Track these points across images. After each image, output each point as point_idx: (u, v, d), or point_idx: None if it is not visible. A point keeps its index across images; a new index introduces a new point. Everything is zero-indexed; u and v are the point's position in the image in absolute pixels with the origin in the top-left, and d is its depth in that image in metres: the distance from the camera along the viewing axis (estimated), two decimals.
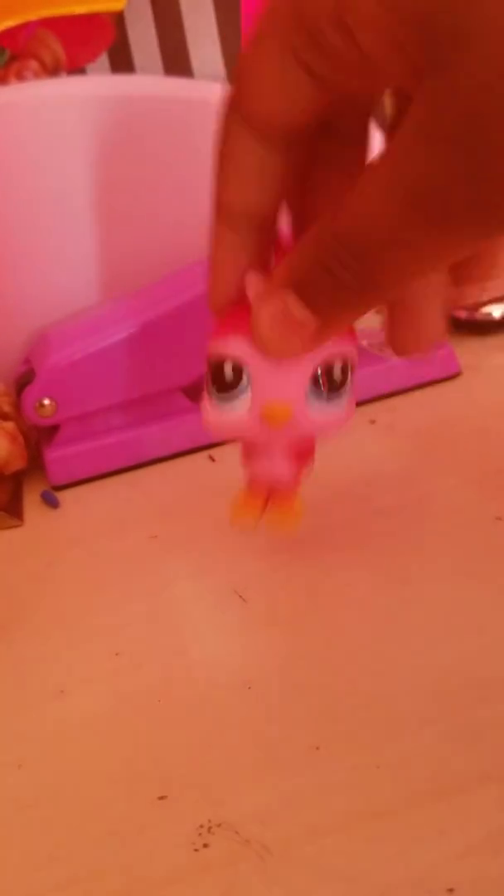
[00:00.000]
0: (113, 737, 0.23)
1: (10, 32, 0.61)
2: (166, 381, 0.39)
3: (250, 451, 0.27)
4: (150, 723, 0.23)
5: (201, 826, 0.19)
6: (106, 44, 0.74)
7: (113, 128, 0.42)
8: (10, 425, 0.40)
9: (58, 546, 0.34)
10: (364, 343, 0.40)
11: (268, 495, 0.27)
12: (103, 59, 0.79)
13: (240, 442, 0.26)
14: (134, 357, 0.38)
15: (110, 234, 0.44)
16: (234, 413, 0.24)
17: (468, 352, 0.43)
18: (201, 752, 0.22)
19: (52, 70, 0.64)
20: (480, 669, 0.22)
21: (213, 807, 0.20)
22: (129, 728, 0.23)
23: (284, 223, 0.24)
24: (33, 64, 0.62)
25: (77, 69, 0.74)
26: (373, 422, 0.38)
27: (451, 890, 0.17)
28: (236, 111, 0.21)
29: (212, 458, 0.39)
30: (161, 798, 0.20)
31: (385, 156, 0.18)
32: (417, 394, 0.41)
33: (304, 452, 0.26)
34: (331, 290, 0.20)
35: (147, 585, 0.30)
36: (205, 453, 0.40)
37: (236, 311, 0.24)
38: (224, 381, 0.24)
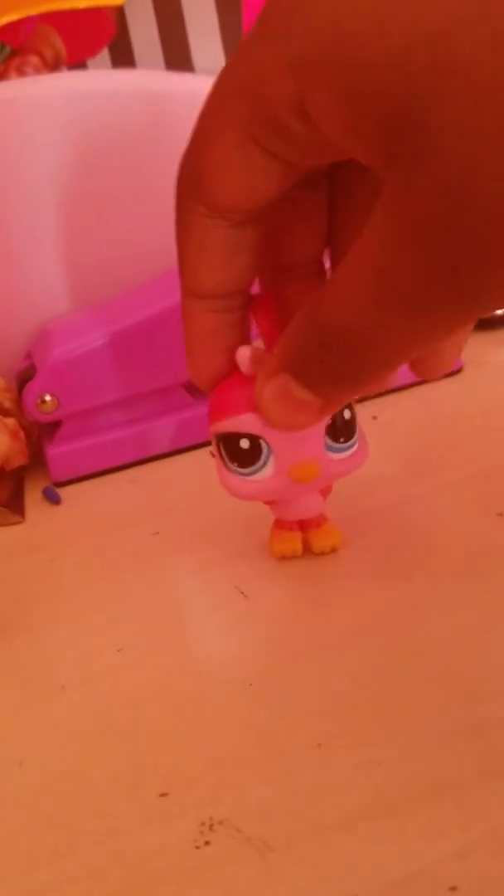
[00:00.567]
0: (114, 734, 0.23)
1: (11, 27, 0.61)
2: (168, 376, 0.39)
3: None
4: (152, 719, 0.23)
5: (203, 823, 0.19)
6: (107, 39, 0.74)
7: (114, 122, 0.42)
8: (11, 421, 0.40)
9: (59, 543, 0.34)
10: None
11: (299, 522, 0.28)
12: (104, 54, 0.79)
13: None
14: (136, 353, 0.38)
15: (113, 229, 0.44)
16: (260, 481, 0.25)
17: (470, 347, 0.42)
18: (203, 749, 0.22)
19: (53, 65, 0.64)
20: (482, 666, 0.22)
21: (215, 804, 0.20)
22: (130, 725, 0.23)
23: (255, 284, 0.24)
24: (34, 59, 0.61)
25: (78, 64, 0.74)
26: (375, 418, 0.38)
27: (453, 888, 0.17)
28: (197, 200, 0.21)
29: (213, 455, 0.39)
30: (162, 795, 0.20)
31: (359, 246, 0.18)
32: (419, 390, 0.41)
33: (327, 487, 0.28)
34: (324, 376, 0.20)
35: (149, 582, 0.30)
36: (205, 449, 0.40)
37: (233, 386, 0.24)
38: (243, 455, 0.25)
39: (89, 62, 0.77)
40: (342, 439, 0.25)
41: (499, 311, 0.45)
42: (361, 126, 0.17)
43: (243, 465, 0.25)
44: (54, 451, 0.39)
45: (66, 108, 0.42)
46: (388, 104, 0.16)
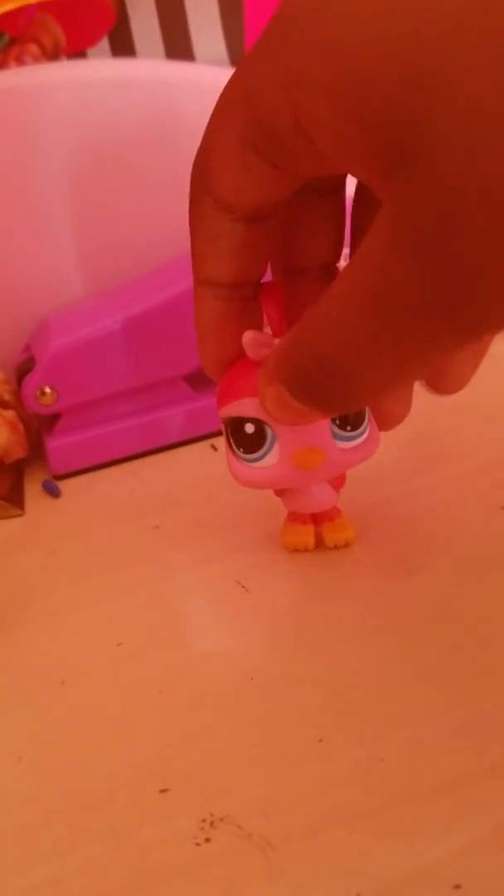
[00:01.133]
0: (114, 729, 0.23)
1: (10, 16, 0.61)
2: (168, 369, 0.39)
3: (285, 488, 0.27)
4: (152, 714, 0.23)
5: (203, 820, 0.19)
6: (106, 28, 0.74)
7: (114, 113, 0.42)
8: (10, 414, 0.39)
9: (59, 536, 0.34)
10: None
11: (312, 516, 0.28)
12: (104, 44, 0.78)
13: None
14: (135, 345, 0.38)
15: (112, 221, 0.44)
16: (266, 468, 0.25)
17: None
18: (203, 744, 0.21)
19: (53, 54, 0.63)
20: (485, 661, 0.22)
21: (215, 800, 0.20)
22: (130, 720, 0.23)
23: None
24: (33, 48, 0.61)
25: (77, 53, 0.74)
26: None
27: (457, 886, 0.16)
28: (207, 194, 0.21)
29: (214, 448, 0.39)
30: (162, 791, 0.20)
31: (352, 267, 0.17)
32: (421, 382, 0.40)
33: (339, 478, 0.28)
34: (313, 396, 0.20)
35: (149, 575, 0.29)
36: (207, 442, 0.39)
37: (241, 370, 0.25)
38: (248, 440, 0.25)
39: (89, 51, 0.76)
40: (349, 428, 0.25)
41: None
42: (355, 141, 0.16)
43: (248, 450, 0.25)
44: (54, 444, 0.39)
45: (69, 98, 0.41)
46: (382, 118, 0.16)
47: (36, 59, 0.61)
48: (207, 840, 0.19)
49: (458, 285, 0.16)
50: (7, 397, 0.40)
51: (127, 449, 0.39)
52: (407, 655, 0.23)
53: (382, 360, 0.18)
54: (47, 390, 0.37)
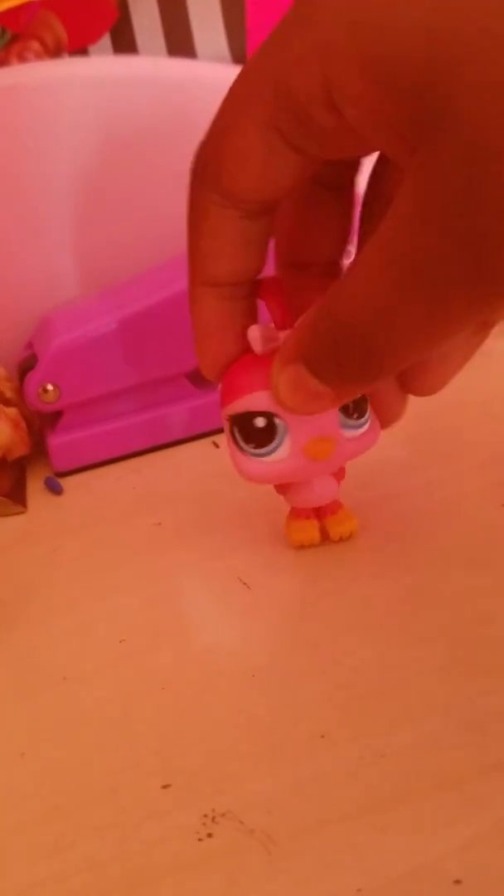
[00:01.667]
0: (116, 725, 0.23)
1: (12, 13, 0.61)
2: (170, 366, 0.39)
3: (288, 484, 0.27)
4: (154, 710, 0.23)
5: (205, 815, 0.19)
6: (108, 24, 0.73)
7: (116, 110, 0.42)
8: (12, 411, 0.39)
9: (61, 533, 0.34)
10: None
11: (315, 510, 0.28)
12: (105, 41, 0.78)
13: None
14: (137, 342, 0.38)
15: (114, 219, 0.44)
16: (276, 462, 0.25)
17: None
18: (205, 740, 0.21)
19: (54, 51, 0.63)
20: (487, 658, 0.22)
21: (218, 796, 0.20)
22: (132, 716, 0.23)
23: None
24: (35, 45, 0.61)
25: (79, 50, 0.74)
26: None
27: (458, 881, 0.16)
28: (214, 189, 0.21)
29: (216, 445, 0.39)
30: (165, 787, 0.20)
31: (380, 236, 0.18)
32: None
33: (339, 471, 0.28)
34: (341, 369, 0.20)
35: (151, 572, 0.30)
36: (209, 439, 0.39)
37: (245, 367, 0.25)
38: (259, 435, 0.25)
39: (91, 48, 0.76)
40: (355, 416, 0.25)
41: None
42: (385, 111, 0.17)
43: (259, 445, 0.25)
44: (56, 441, 0.39)
45: (71, 95, 0.41)
46: (410, 87, 0.16)
47: (38, 56, 0.61)
48: (210, 835, 0.19)
49: (483, 249, 0.16)
50: (9, 395, 0.40)
51: (129, 446, 0.39)
52: (408, 652, 0.23)
53: (411, 323, 0.18)
54: (49, 388, 0.37)
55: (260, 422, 0.25)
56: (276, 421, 0.25)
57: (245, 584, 0.27)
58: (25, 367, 0.38)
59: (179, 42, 0.83)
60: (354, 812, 0.19)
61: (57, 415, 0.39)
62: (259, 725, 0.22)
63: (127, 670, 0.25)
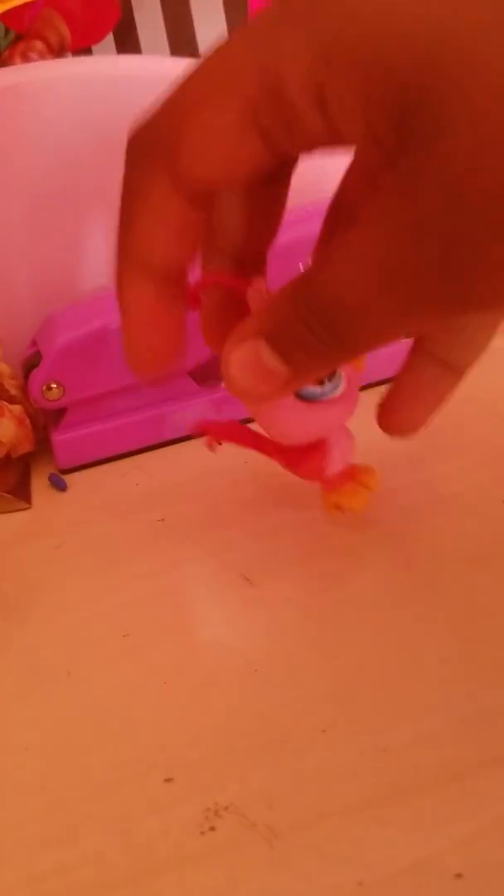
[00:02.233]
0: (120, 719, 0.23)
1: (16, 12, 0.61)
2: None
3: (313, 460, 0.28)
4: (157, 705, 0.23)
5: (208, 809, 0.19)
6: (111, 24, 0.74)
7: (119, 109, 0.42)
8: (17, 408, 0.40)
9: (65, 529, 0.34)
10: None
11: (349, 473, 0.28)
12: (109, 40, 0.78)
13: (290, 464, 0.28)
14: None
15: (117, 217, 0.44)
16: (328, 407, 0.26)
17: None
18: (208, 734, 0.22)
19: (58, 50, 0.63)
20: (488, 653, 0.22)
21: (220, 790, 0.20)
22: (135, 710, 0.23)
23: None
24: (38, 44, 0.61)
25: (82, 49, 0.74)
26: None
27: (458, 875, 0.17)
28: (163, 167, 0.20)
29: (218, 442, 0.39)
30: (167, 781, 0.20)
31: (364, 229, 0.18)
32: None
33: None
34: (305, 344, 0.20)
35: (154, 568, 0.30)
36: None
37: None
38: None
39: (94, 48, 0.76)
40: (325, 382, 0.26)
41: None
42: (374, 118, 0.17)
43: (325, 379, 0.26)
44: (60, 438, 0.39)
45: (75, 94, 0.41)
46: (402, 98, 0.16)
47: (41, 56, 0.61)
48: (212, 829, 0.19)
49: (454, 263, 0.17)
50: (14, 392, 0.41)
51: (132, 443, 0.39)
52: (410, 647, 0.23)
53: (383, 314, 0.19)
54: (53, 385, 0.37)
55: None
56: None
57: (248, 579, 0.28)
58: (30, 365, 0.38)
59: (182, 42, 0.83)
60: (356, 806, 0.19)
61: (61, 412, 0.39)
62: (261, 720, 0.22)
63: (130, 665, 0.25)
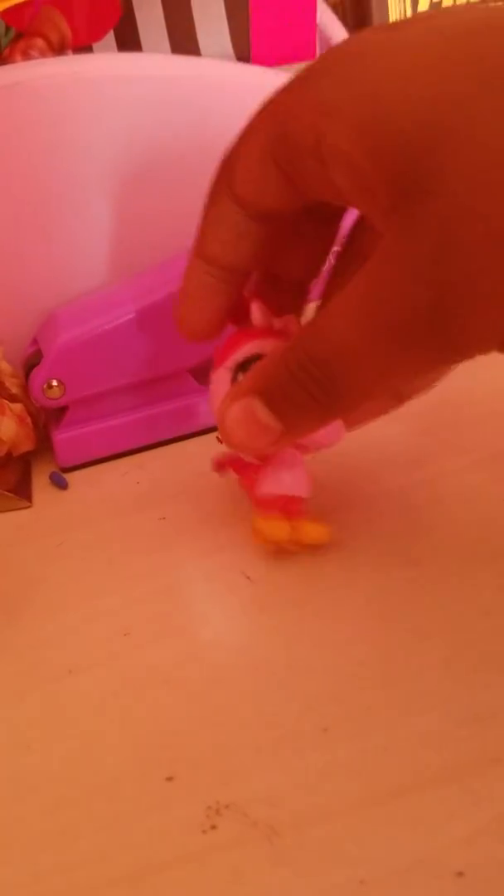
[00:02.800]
0: (121, 717, 0.23)
1: (16, 10, 0.61)
2: (174, 362, 0.39)
3: (255, 475, 0.28)
4: (158, 703, 0.23)
5: (209, 807, 0.19)
6: (112, 22, 0.73)
7: (119, 107, 0.42)
8: (18, 407, 0.40)
9: (66, 527, 0.34)
10: None
11: (283, 510, 0.28)
12: (109, 38, 0.78)
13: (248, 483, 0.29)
14: (142, 338, 0.38)
15: (119, 216, 0.44)
16: None
17: None
18: (209, 732, 0.22)
19: (58, 48, 0.63)
20: (488, 652, 0.22)
21: (221, 788, 0.20)
22: (136, 709, 0.23)
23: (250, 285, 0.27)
24: (39, 42, 0.61)
25: (83, 47, 0.74)
26: None
27: (460, 873, 0.17)
28: (226, 183, 0.23)
29: (219, 440, 0.39)
30: (169, 779, 0.20)
31: (356, 285, 0.20)
32: None
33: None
34: (298, 402, 0.22)
35: (155, 566, 0.30)
36: (212, 435, 0.39)
37: (244, 333, 0.26)
38: None
39: (94, 46, 0.76)
40: None
41: None
42: (366, 174, 0.19)
43: None
44: (61, 437, 0.39)
45: (76, 92, 0.41)
46: (395, 158, 0.18)
47: (42, 54, 0.61)
48: (213, 827, 0.19)
49: (444, 313, 0.18)
50: (15, 391, 0.41)
51: (133, 442, 0.39)
52: (410, 646, 0.23)
53: (374, 366, 0.20)
54: (54, 383, 0.37)
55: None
56: None
57: (248, 577, 0.28)
58: (30, 364, 0.38)
59: (183, 40, 0.83)
60: (357, 804, 0.19)
61: (62, 410, 0.39)
62: (262, 718, 0.22)
63: (131, 663, 0.25)
